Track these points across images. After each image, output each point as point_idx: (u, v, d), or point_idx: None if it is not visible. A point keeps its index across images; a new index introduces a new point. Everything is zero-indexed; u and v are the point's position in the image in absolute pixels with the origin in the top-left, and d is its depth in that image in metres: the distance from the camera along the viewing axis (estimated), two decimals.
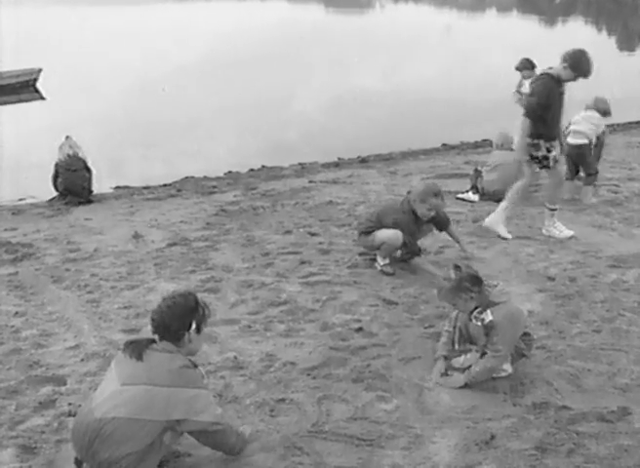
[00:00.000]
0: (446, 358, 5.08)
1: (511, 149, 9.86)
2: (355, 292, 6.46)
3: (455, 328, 5.08)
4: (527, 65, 11.37)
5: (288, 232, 8.02)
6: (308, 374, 5.01)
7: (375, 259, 7.01)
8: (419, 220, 6.79)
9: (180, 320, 3.86)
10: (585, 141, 9.07)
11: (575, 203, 9.07)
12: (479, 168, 9.61)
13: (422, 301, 6.23)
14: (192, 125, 15.89)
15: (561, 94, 7.50)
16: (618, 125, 14.72)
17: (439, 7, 61.35)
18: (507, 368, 4.94)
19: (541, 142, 7.55)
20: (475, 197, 9.30)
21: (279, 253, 7.38)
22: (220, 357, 5.19)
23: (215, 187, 10.15)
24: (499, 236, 7.81)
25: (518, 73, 11.47)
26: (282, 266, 7.02)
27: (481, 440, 4.28)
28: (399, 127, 14.78)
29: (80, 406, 4.52)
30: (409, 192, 6.94)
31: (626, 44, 36.15)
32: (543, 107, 7.37)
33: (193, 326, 3.90)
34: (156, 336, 3.89)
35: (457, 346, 5.09)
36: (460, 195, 9.37)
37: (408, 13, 56.71)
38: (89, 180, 9.49)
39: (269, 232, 8.01)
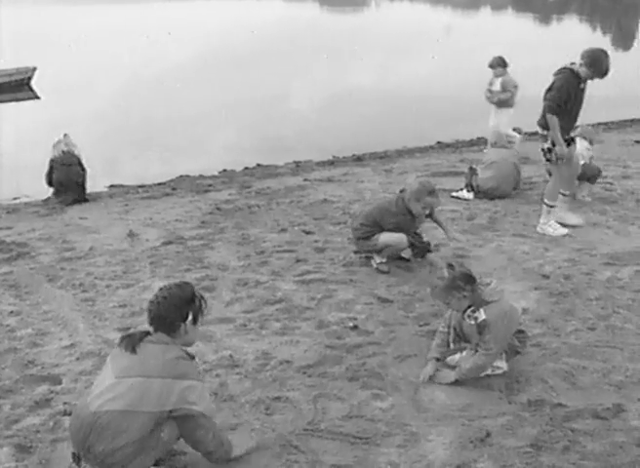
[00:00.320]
0: (438, 360, 5.08)
1: (505, 147, 9.91)
2: (350, 290, 6.46)
3: (449, 327, 5.08)
4: (499, 63, 11.41)
5: (283, 230, 8.02)
6: (304, 373, 5.01)
7: (370, 257, 7.01)
8: (414, 218, 6.80)
9: (176, 310, 3.84)
10: (584, 161, 8.98)
11: (570, 201, 9.07)
12: (474, 166, 9.61)
13: (418, 299, 6.23)
14: (187, 123, 15.89)
15: (581, 90, 7.53)
16: (612, 123, 14.76)
17: (434, 5, 61.37)
18: (502, 365, 4.95)
19: (551, 134, 7.62)
20: (470, 195, 9.30)
21: (274, 251, 7.38)
22: (216, 355, 5.19)
23: (210, 186, 10.15)
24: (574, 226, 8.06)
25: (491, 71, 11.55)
26: (277, 264, 7.02)
27: (476, 437, 4.28)
28: (394, 125, 14.79)
29: (76, 404, 4.55)
30: (402, 190, 6.93)
31: (621, 42, 36.19)
32: (564, 102, 7.44)
33: (190, 316, 3.88)
34: (151, 328, 3.88)
35: (452, 346, 5.10)
36: (454, 193, 9.37)
37: (403, 11, 56.71)
38: (83, 178, 9.47)
39: (264, 230, 8.01)
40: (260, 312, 5.99)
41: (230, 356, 5.19)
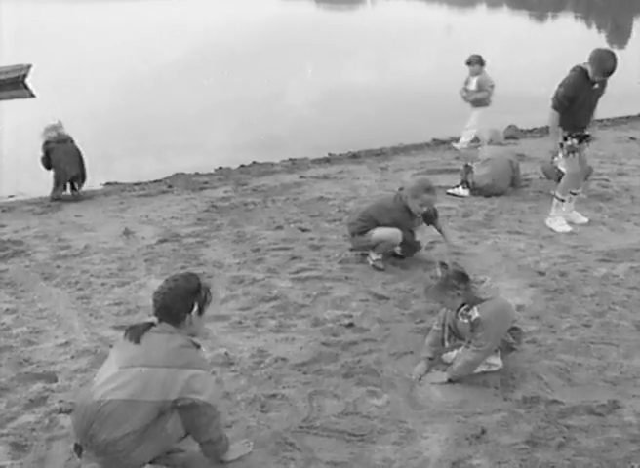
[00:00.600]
0: (431, 359, 5.09)
1: (501, 144, 9.93)
2: (346, 287, 6.46)
3: (444, 326, 5.08)
4: (477, 61, 11.41)
5: (279, 228, 8.01)
6: (299, 370, 5.01)
7: (365, 255, 7.02)
8: (412, 216, 6.79)
9: (181, 301, 3.85)
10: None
11: (578, 200, 9.08)
12: (469, 163, 9.62)
13: (413, 296, 6.23)
14: (183, 121, 15.87)
15: (591, 90, 7.56)
16: (608, 120, 14.75)
17: (430, 3, 61.34)
18: (497, 362, 4.96)
19: (560, 129, 7.69)
20: (466, 192, 9.31)
21: (270, 248, 7.38)
22: (211, 353, 5.18)
23: (206, 183, 10.13)
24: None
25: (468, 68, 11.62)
26: (273, 262, 7.02)
27: (472, 434, 4.29)
28: (390, 122, 14.79)
29: (71, 402, 4.54)
30: (401, 189, 6.94)
31: (616, 39, 36.21)
32: (569, 99, 7.49)
33: (195, 307, 3.89)
34: (156, 319, 3.89)
35: (447, 344, 5.10)
36: (450, 190, 9.38)
37: (399, 9, 56.64)
38: (82, 156, 9.44)
39: (260, 228, 8.01)
40: (255, 309, 5.99)
41: (226, 353, 5.19)
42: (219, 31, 32.45)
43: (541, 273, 6.77)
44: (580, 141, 7.76)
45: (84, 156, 9.47)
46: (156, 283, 6.35)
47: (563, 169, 8.71)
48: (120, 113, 16.37)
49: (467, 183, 9.36)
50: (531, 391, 4.76)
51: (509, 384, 4.84)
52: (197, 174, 10.98)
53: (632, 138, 12.85)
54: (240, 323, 5.73)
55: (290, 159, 12.01)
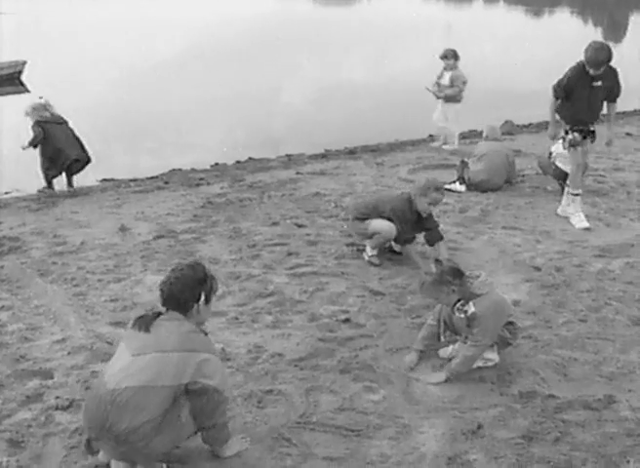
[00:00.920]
0: (421, 352, 5.12)
1: (497, 140, 9.93)
2: (342, 283, 6.47)
3: (439, 321, 5.09)
4: (452, 56, 11.24)
5: (275, 224, 8.01)
6: (296, 366, 5.02)
7: (361, 250, 7.02)
8: (415, 214, 6.74)
9: (189, 291, 3.87)
10: None
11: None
12: (465, 159, 9.62)
13: (409, 292, 6.24)
14: (179, 117, 15.84)
15: (591, 85, 7.59)
16: (604, 116, 14.73)
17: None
18: (494, 357, 4.97)
19: (562, 123, 7.86)
20: (462, 188, 9.31)
21: (266, 244, 7.37)
22: None
23: (202, 179, 10.11)
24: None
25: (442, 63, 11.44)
26: (269, 258, 7.02)
27: (468, 429, 4.30)
28: (386, 118, 14.78)
29: (68, 399, 4.54)
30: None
31: (612, 35, 36.24)
32: (564, 89, 7.60)
33: (202, 297, 3.91)
34: (164, 308, 3.90)
35: (442, 339, 5.11)
36: (446, 186, 9.33)
37: (395, 5, 56.60)
38: (80, 140, 9.37)
39: (256, 224, 8.00)
40: (251, 305, 5.99)
41: (222, 349, 5.18)
42: (215, 28, 32.40)
43: (538, 268, 6.78)
44: (584, 137, 7.81)
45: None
46: (152, 279, 6.42)
47: (560, 165, 8.72)
48: (116, 109, 16.33)
49: (463, 179, 9.36)
50: (527, 386, 4.77)
51: (506, 379, 4.86)
52: (193, 170, 10.96)
53: (628, 134, 12.86)
54: (236, 319, 5.73)
55: (286, 155, 12.00)
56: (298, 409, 4.51)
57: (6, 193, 9.83)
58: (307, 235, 7.63)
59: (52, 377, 4.86)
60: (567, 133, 7.79)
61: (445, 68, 11.38)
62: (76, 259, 6.99)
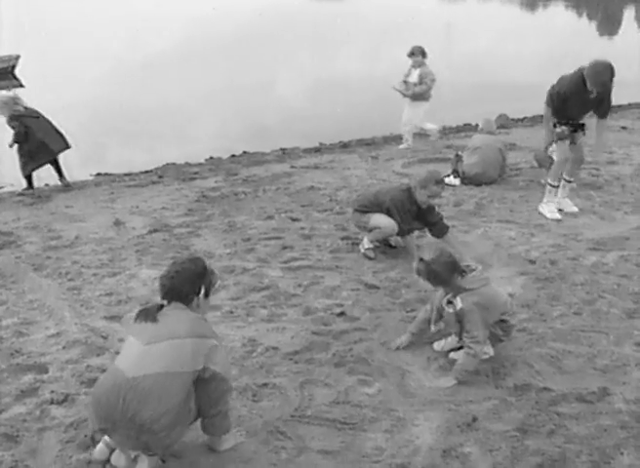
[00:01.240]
0: (414, 334, 5.17)
1: (492, 133, 9.93)
2: (337, 276, 6.47)
3: (432, 309, 5.10)
4: (419, 53, 10.96)
5: (269, 217, 8.01)
6: (291, 359, 5.02)
7: (356, 244, 7.03)
8: (414, 206, 6.74)
9: (190, 284, 3.90)
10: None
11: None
12: (460, 152, 9.62)
13: (404, 285, 6.24)
14: (173, 111, 15.83)
15: (589, 97, 7.58)
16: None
17: None
18: (489, 350, 4.97)
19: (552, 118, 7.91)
20: (456, 181, 9.31)
21: (261, 238, 7.37)
22: None
23: (196, 173, 10.11)
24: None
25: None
26: (264, 251, 7.02)
27: (463, 422, 4.31)
28: (381, 111, 14.75)
29: (63, 393, 4.54)
30: None
31: (606, 28, 36.25)
32: (562, 99, 7.62)
33: (202, 290, 3.94)
34: (165, 301, 3.91)
35: (432, 327, 5.10)
36: None
37: (389, 1, 56.53)
38: (58, 130, 9.25)
39: (251, 218, 8.00)
40: (246, 299, 5.99)
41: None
42: (208, 21, 32.32)
43: (532, 262, 6.79)
44: (574, 130, 7.84)
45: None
46: (147, 273, 6.42)
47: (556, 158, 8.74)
48: (110, 104, 16.30)
49: (458, 172, 9.37)
50: (522, 379, 4.78)
51: (500, 372, 4.86)
52: (188, 164, 10.96)
53: (623, 128, 12.87)
54: (231, 312, 5.73)
55: (280, 149, 12.00)
56: (292, 402, 4.51)
57: (0, 188, 9.81)
58: (302, 229, 7.63)
59: (47, 372, 4.85)
60: (555, 126, 7.81)
61: (413, 66, 11.12)
62: (71, 254, 6.98)
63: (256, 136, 13.22)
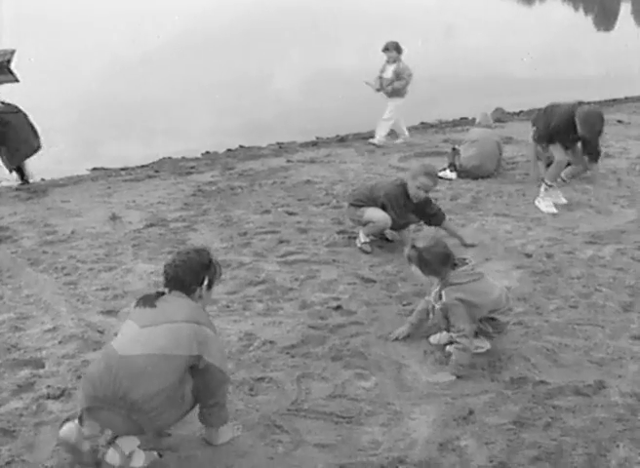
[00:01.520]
0: (413, 325, 5.19)
1: (489, 127, 9.94)
2: (334, 270, 6.47)
3: (429, 301, 5.11)
4: (394, 48, 10.79)
5: (266, 212, 8.00)
6: (287, 353, 5.03)
7: (353, 238, 7.03)
8: (409, 200, 6.74)
9: (193, 274, 3.93)
10: None
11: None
12: (457, 146, 9.62)
13: (400, 279, 6.25)
14: (169, 105, 15.79)
15: (574, 136, 7.86)
16: (595, 102, 14.73)
17: None
18: (484, 344, 4.98)
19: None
20: (453, 175, 9.31)
21: (257, 232, 7.37)
22: None
23: (192, 168, 10.09)
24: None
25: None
26: (260, 246, 7.02)
27: (459, 415, 4.32)
28: (377, 106, 14.72)
29: (59, 387, 4.54)
30: None
31: (603, 22, 36.24)
32: (550, 137, 7.99)
33: (205, 281, 3.97)
34: (167, 290, 3.94)
35: (431, 316, 5.11)
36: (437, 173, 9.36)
37: None
38: (34, 127, 9.13)
39: (247, 212, 7.99)
40: (243, 293, 5.99)
41: None
42: (203, 15, 32.25)
43: (528, 255, 6.80)
44: (566, 148, 8.09)
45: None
46: (143, 267, 6.42)
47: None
48: (106, 98, 16.26)
49: (454, 166, 9.36)
50: (518, 372, 4.79)
51: (497, 366, 4.87)
52: (184, 158, 10.94)
53: (619, 121, 12.87)
54: (228, 307, 5.74)
55: (277, 143, 11.97)
56: (289, 396, 4.52)
57: None
58: (298, 223, 7.63)
59: (43, 366, 4.85)
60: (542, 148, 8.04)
61: (387, 61, 10.94)
62: (67, 248, 6.97)
63: (252, 131, 13.19)
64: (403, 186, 6.70)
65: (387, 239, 7.12)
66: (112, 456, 3.78)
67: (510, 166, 9.82)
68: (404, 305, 5.75)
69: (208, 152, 11.43)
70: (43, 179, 9.68)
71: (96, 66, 19.79)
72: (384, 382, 4.71)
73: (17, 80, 19.65)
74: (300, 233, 7.36)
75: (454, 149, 9.54)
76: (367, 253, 6.83)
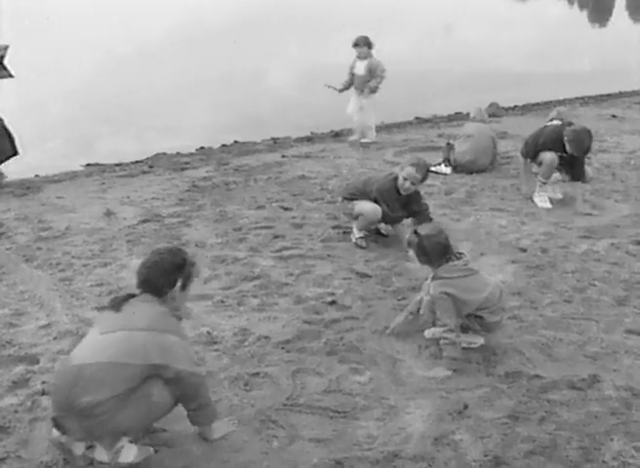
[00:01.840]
0: (411, 313, 5.22)
1: (484, 121, 9.93)
2: (328, 265, 6.47)
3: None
4: (364, 43, 10.46)
5: (261, 207, 8.00)
6: (282, 348, 5.03)
7: (348, 232, 7.04)
8: (401, 194, 6.74)
9: (165, 276, 3.86)
10: None
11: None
12: (451, 141, 9.62)
13: (395, 274, 6.26)
14: (164, 101, 15.73)
15: (565, 156, 7.88)
16: (589, 97, 14.80)
17: None
18: (477, 340, 5.00)
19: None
20: (447, 170, 9.32)
21: (252, 227, 7.37)
22: (194, 332, 5.18)
23: (187, 163, 10.08)
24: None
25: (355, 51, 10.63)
26: (255, 241, 7.02)
27: (454, 410, 4.33)
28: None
29: (54, 384, 4.53)
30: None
31: (597, 17, 36.24)
32: (538, 149, 8.03)
33: (178, 283, 3.89)
34: (139, 291, 3.89)
35: (421, 309, 5.12)
36: (432, 168, 9.33)
37: None
38: (8, 129, 9.04)
39: (242, 207, 7.99)
40: (237, 288, 5.99)
41: (208, 333, 5.19)
42: (197, 10, 32.15)
43: (523, 250, 6.81)
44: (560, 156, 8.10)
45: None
46: (138, 263, 6.36)
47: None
48: (100, 93, 16.20)
49: (449, 161, 9.37)
50: (513, 366, 4.81)
51: (491, 360, 4.89)
52: (178, 154, 10.91)
53: (614, 116, 12.89)
54: (222, 302, 5.73)
55: (272, 138, 11.95)
56: (284, 391, 4.52)
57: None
58: (293, 218, 7.63)
59: (38, 363, 4.85)
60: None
61: (358, 57, 10.61)
62: (61, 244, 6.96)
63: (247, 126, 13.14)
64: (395, 180, 6.70)
65: (382, 234, 7.13)
66: (100, 453, 3.78)
67: (505, 160, 9.83)
68: (399, 300, 5.75)
69: (202, 147, 11.41)
70: (37, 175, 9.65)
71: (90, 61, 19.73)
72: (379, 377, 4.71)
73: (11, 75, 19.56)
74: (295, 228, 7.36)
75: (448, 144, 9.54)
76: (362, 248, 6.83)
